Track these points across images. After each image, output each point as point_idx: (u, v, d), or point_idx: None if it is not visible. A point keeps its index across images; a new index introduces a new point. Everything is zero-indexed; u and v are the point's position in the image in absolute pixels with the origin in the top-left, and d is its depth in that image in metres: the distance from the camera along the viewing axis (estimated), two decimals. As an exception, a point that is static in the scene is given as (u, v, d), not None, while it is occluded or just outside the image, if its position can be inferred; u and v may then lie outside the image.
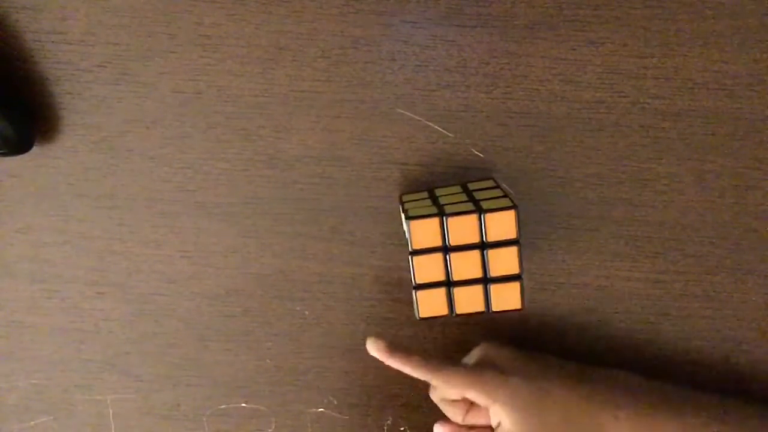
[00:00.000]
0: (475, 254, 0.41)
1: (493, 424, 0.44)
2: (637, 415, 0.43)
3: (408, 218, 0.41)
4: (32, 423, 0.53)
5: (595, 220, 0.49)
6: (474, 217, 0.41)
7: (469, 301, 0.42)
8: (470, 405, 0.46)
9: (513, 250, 0.41)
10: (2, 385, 0.53)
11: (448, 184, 0.48)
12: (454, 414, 0.47)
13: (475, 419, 0.46)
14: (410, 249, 0.42)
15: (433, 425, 0.48)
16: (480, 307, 0.43)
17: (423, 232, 0.41)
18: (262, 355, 0.52)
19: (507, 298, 0.42)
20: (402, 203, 0.46)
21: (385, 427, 0.53)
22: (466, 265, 0.42)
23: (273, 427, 0.53)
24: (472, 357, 0.47)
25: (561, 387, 0.44)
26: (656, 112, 0.47)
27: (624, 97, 0.47)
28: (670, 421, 0.44)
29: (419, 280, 0.42)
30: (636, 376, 0.47)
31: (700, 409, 0.45)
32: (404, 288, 0.50)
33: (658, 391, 0.46)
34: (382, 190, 0.49)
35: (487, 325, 0.51)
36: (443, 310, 0.43)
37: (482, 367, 0.44)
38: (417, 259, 0.42)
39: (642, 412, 0.44)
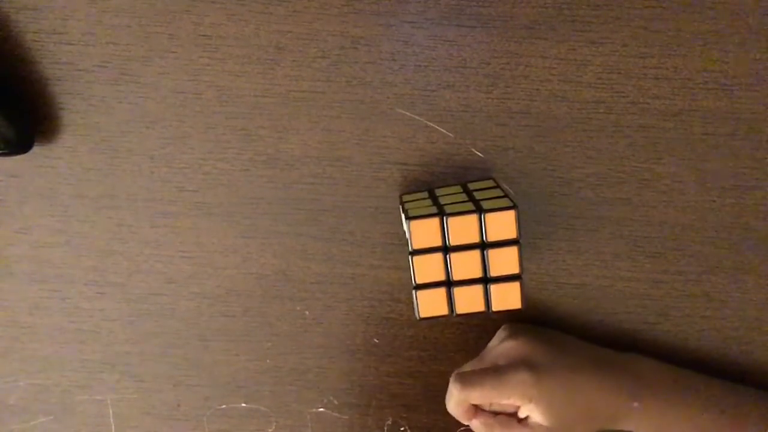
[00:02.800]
0: (475, 254, 0.41)
1: (521, 415, 0.45)
2: (651, 405, 0.45)
3: (408, 218, 0.41)
4: (32, 423, 0.53)
5: (595, 220, 0.49)
6: (474, 217, 0.41)
7: (469, 301, 0.42)
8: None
9: (513, 250, 0.41)
10: (2, 385, 0.53)
11: (448, 184, 0.48)
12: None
13: (501, 406, 0.46)
14: (410, 249, 0.42)
15: (433, 425, 0.48)
16: (480, 307, 0.43)
17: (423, 232, 0.41)
18: (262, 355, 0.52)
19: (507, 298, 0.42)
20: (402, 203, 0.46)
21: (385, 427, 0.53)
22: (466, 265, 0.41)
23: (273, 427, 0.53)
24: (499, 351, 0.46)
25: (585, 378, 0.45)
26: (656, 112, 0.47)
27: (624, 97, 0.47)
28: (682, 411, 0.46)
29: (419, 280, 0.42)
30: (654, 362, 0.48)
31: (714, 397, 0.47)
32: (404, 288, 0.50)
33: (672, 379, 0.47)
34: (382, 190, 0.49)
35: (487, 325, 0.51)
36: (443, 310, 0.43)
37: (515, 368, 0.44)
38: (417, 259, 0.42)
39: (656, 401, 0.45)
